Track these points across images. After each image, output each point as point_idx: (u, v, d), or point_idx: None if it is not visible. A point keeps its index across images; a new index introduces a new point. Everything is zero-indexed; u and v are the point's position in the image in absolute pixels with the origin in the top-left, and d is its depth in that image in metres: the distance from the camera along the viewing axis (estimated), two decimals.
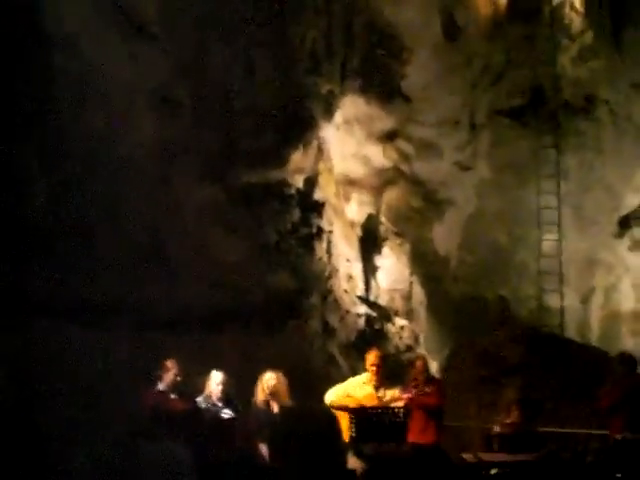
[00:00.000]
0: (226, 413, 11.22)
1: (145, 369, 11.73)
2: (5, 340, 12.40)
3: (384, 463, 10.08)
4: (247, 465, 10.74)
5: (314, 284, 15.81)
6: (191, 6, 14.55)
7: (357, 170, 17.43)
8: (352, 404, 10.56)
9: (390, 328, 16.98)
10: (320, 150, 16.24)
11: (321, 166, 16.31)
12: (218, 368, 11.42)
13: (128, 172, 14.01)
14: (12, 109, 13.44)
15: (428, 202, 17.83)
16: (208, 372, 11.42)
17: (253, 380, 11.32)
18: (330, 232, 16.31)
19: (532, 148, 17.74)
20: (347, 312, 16.34)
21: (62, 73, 13.80)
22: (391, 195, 17.72)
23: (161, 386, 11.27)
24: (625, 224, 18.64)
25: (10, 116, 13.39)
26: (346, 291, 16.52)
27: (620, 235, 18.68)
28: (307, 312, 15.58)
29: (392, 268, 17.65)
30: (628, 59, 18.28)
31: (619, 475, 10.76)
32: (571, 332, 17.68)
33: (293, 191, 15.75)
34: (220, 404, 11.25)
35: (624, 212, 18.61)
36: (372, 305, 17.06)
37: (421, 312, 17.65)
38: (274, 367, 11.44)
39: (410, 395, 10.86)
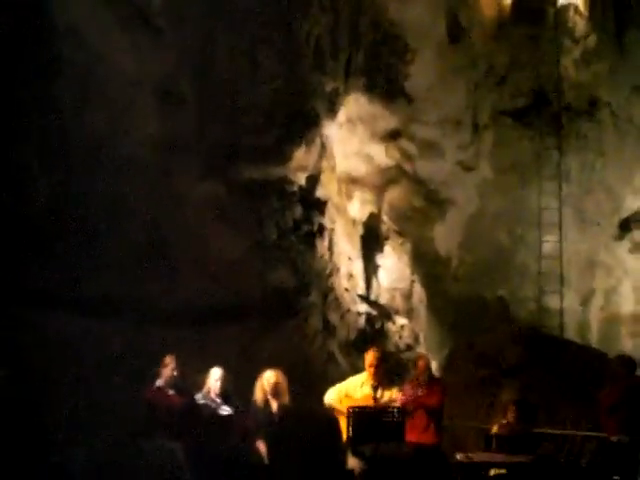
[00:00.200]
0: (224, 410, 11.23)
1: (144, 365, 11.75)
2: (6, 336, 12.41)
3: (382, 463, 10.09)
4: (244, 463, 10.75)
5: (315, 282, 15.81)
6: (197, 0, 14.56)
7: (359, 168, 17.44)
8: (351, 405, 10.56)
9: (390, 327, 17.00)
10: (323, 148, 16.25)
11: (324, 164, 16.31)
12: (217, 365, 11.43)
13: (130, 167, 14.01)
14: (14, 103, 13.44)
15: (430, 202, 17.84)
16: (207, 369, 11.43)
17: (252, 377, 11.32)
18: (332, 230, 16.32)
19: (534, 149, 17.76)
20: (347, 310, 16.36)
21: (66, 65, 13.80)
22: (393, 194, 17.73)
23: (159, 382, 11.28)
24: (626, 226, 18.66)
25: (11, 111, 13.39)
26: (347, 289, 16.53)
27: (620, 237, 18.71)
28: (307, 310, 15.58)
29: (393, 267, 17.67)
30: (631, 62, 18.31)
31: (616, 477, 10.76)
32: (571, 333, 17.69)
33: (295, 188, 15.75)
34: (218, 400, 11.25)
35: (625, 214, 18.65)
36: (373, 304, 17.08)
37: (421, 311, 17.66)
38: (273, 365, 11.43)
39: (407, 397, 10.88)
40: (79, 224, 13.58)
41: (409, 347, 16.96)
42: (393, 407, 10.46)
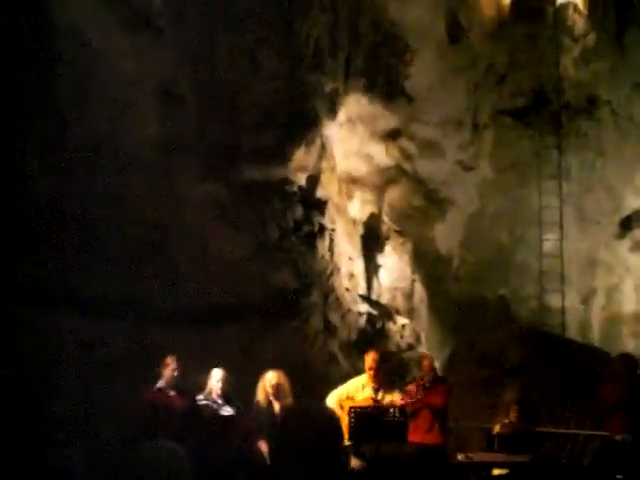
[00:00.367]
0: (226, 411, 11.21)
1: (145, 365, 11.74)
2: (4, 336, 12.40)
3: (383, 464, 10.08)
4: (246, 463, 10.74)
5: (315, 282, 15.80)
6: (198, 1, 14.55)
7: (360, 168, 17.44)
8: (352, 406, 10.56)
9: (391, 327, 17.00)
10: (323, 148, 16.23)
11: (324, 164, 16.30)
12: (218, 365, 11.42)
13: (130, 167, 14.00)
14: (14, 102, 13.43)
15: (430, 201, 17.84)
16: (208, 369, 11.41)
17: (253, 378, 11.32)
18: (332, 230, 16.31)
19: (534, 148, 17.77)
20: (348, 310, 16.35)
21: (66, 65, 13.78)
22: (393, 194, 17.73)
23: (160, 383, 11.26)
24: (627, 225, 18.67)
25: (12, 110, 13.38)
26: (348, 289, 16.52)
27: (621, 236, 18.72)
28: (308, 310, 15.57)
29: (394, 267, 17.66)
30: (630, 60, 18.32)
31: (619, 477, 10.75)
32: (572, 332, 17.69)
33: (295, 189, 15.74)
34: (220, 401, 11.24)
35: (625, 213, 18.66)
36: (374, 303, 17.08)
37: (422, 311, 17.66)
38: (275, 365, 11.43)
39: (410, 401, 10.86)
40: (79, 224, 13.56)
41: (410, 347, 16.96)
42: (394, 407, 10.45)
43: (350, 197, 17.36)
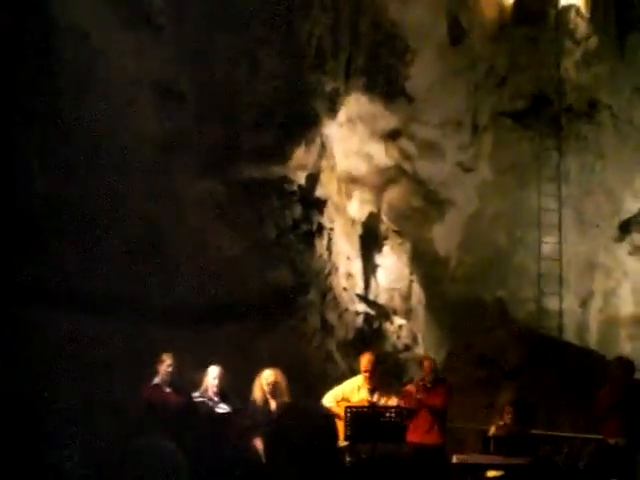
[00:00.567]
0: (222, 408, 11.20)
1: (142, 363, 11.74)
2: (3, 334, 12.40)
3: (379, 464, 10.07)
4: (242, 461, 10.73)
5: (313, 281, 15.81)
6: None
7: (359, 168, 17.43)
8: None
9: (388, 327, 17.00)
10: (323, 147, 16.24)
11: (323, 163, 16.30)
12: (214, 363, 11.41)
13: (129, 165, 14.01)
14: (14, 100, 13.43)
15: (429, 202, 17.83)
16: (204, 367, 11.41)
17: (249, 376, 11.31)
18: (331, 229, 16.31)
19: (534, 151, 17.79)
20: (346, 310, 16.35)
21: (66, 62, 13.80)
22: (392, 194, 17.72)
23: (157, 380, 11.25)
24: (625, 228, 18.68)
25: (12, 108, 13.39)
26: (345, 289, 16.52)
27: (620, 239, 18.73)
28: (306, 309, 15.57)
29: (392, 267, 17.65)
30: (631, 64, 18.35)
31: None
32: (569, 335, 17.70)
33: (295, 187, 15.75)
34: (216, 399, 11.22)
35: (624, 216, 18.67)
36: (371, 303, 17.07)
37: (420, 311, 17.65)
38: (271, 363, 11.42)
39: (409, 399, 10.86)
40: (77, 222, 13.56)
41: (407, 347, 16.96)
42: (391, 407, 10.45)
43: (349, 197, 17.36)
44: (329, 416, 7.27)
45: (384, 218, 17.67)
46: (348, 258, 16.85)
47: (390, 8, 16.47)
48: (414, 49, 16.79)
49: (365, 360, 10.96)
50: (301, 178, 15.84)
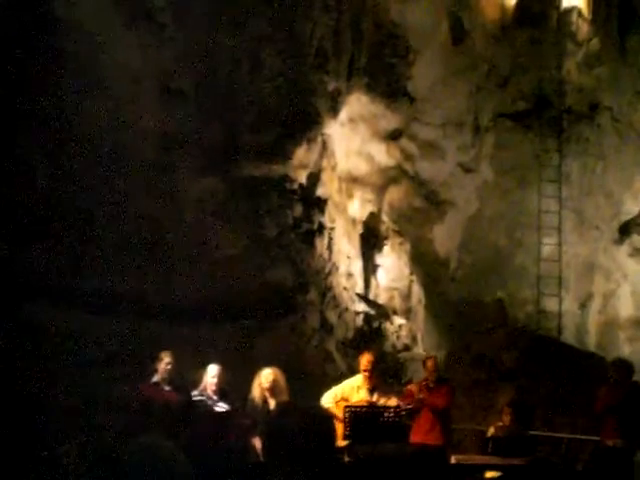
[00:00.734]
0: (220, 407, 11.20)
1: (141, 361, 11.74)
2: (1, 329, 12.42)
3: (378, 463, 10.08)
4: (240, 460, 10.74)
5: (313, 280, 15.82)
6: None
7: (360, 168, 17.44)
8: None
9: (388, 327, 17.00)
10: (324, 146, 16.26)
11: (324, 162, 16.32)
12: (213, 361, 11.41)
13: (129, 161, 14.03)
14: (17, 96, 13.45)
15: (430, 202, 17.83)
16: (203, 365, 11.41)
17: (248, 374, 11.31)
18: (331, 229, 16.33)
19: (535, 152, 17.77)
20: (346, 309, 16.36)
21: (69, 59, 13.82)
22: (393, 194, 17.73)
23: (155, 378, 11.25)
24: (625, 230, 18.68)
25: (14, 104, 13.40)
26: (345, 288, 16.53)
27: (620, 241, 18.73)
28: (305, 308, 15.58)
29: (392, 267, 17.66)
30: (633, 67, 18.35)
31: None
32: (569, 337, 17.69)
33: (296, 186, 15.76)
34: (215, 397, 11.22)
35: (624, 218, 18.67)
36: (371, 303, 17.08)
37: (419, 311, 17.66)
38: (270, 362, 11.42)
39: (407, 401, 10.86)
40: (77, 219, 13.58)
41: (406, 347, 16.97)
42: (391, 407, 10.45)
43: (350, 196, 17.37)
44: (327, 416, 7.28)
45: (385, 218, 17.68)
46: (348, 257, 16.86)
47: (392, 8, 16.46)
48: (416, 49, 16.79)
49: (365, 360, 10.95)
50: (302, 177, 15.85)
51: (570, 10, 17.98)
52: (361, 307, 16.82)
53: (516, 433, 11.66)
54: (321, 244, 16.08)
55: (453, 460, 10.91)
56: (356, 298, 16.83)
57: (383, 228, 17.71)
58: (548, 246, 17.79)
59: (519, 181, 17.95)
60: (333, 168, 16.65)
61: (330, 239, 16.29)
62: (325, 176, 16.34)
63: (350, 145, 17.15)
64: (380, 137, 17.31)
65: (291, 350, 14.66)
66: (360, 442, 10.16)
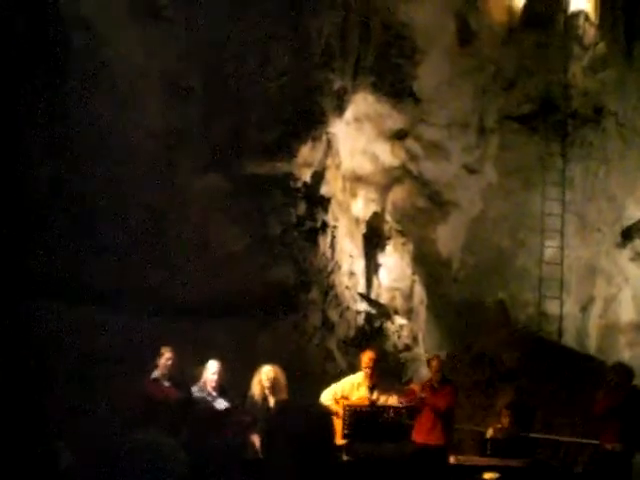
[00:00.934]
0: (220, 403, 11.22)
1: (142, 356, 11.77)
2: (2, 323, 12.44)
3: (377, 463, 10.10)
4: (239, 457, 10.77)
5: (315, 279, 15.83)
6: None
7: (365, 167, 17.44)
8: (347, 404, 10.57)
9: (389, 326, 17.00)
10: (329, 145, 16.26)
11: (329, 161, 16.32)
12: (214, 358, 11.43)
13: (134, 157, 14.05)
14: (21, 91, 13.47)
15: (433, 203, 17.83)
16: (204, 362, 11.43)
17: (249, 372, 11.33)
18: (335, 227, 16.33)
19: (539, 155, 17.77)
20: (347, 308, 16.37)
21: (75, 55, 13.85)
22: (397, 194, 17.73)
23: (156, 373, 11.28)
24: (627, 235, 18.68)
25: (18, 99, 13.42)
26: (347, 287, 16.54)
27: (622, 245, 18.73)
28: (307, 306, 15.59)
29: (394, 266, 17.66)
30: (638, 72, 18.34)
31: None
32: (569, 340, 17.70)
33: (300, 185, 15.76)
34: (214, 394, 11.25)
35: (627, 223, 18.67)
36: (372, 302, 17.09)
37: (421, 312, 17.65)
38: (271, 360, 11.45)
39: (410, 398, 10.88)
40: (81, 214, 13.61)
41: (407, 347, 16.97)
42: (390, 407, 10.47)
43: (354, 195, 17.38)
44: (326, 414, 7.30)
45: (388, 218, 17.68)
46: (351, 257, 16.87)
47: (399, 8, 16.46)
48: (422, 50, 16.78)
49: (366, 357, 10.98)
50: (306, 175, 15.86)
51: (577, 14, 17.96)
52: (363, 306, 16.83)
53: (515, 435, 11.67)
54: (324, 243, 16.08)
55: (452, 460, 10.93)
56: (358, 297, 16.84)
57: (386, 228, 17.70)
58: (550, 249, 17.79)
59: (523, 183, 17.94)
60: (337, 167, 16.66)
61: (333, 238, 16.29)
62: (329, 175, 16.35)
63: (355, 144, 17.16)
64: (385, 137, 17.32)
65: (292, 348, 14.68)
66: (360, 441, 10.19)
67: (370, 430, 10.06)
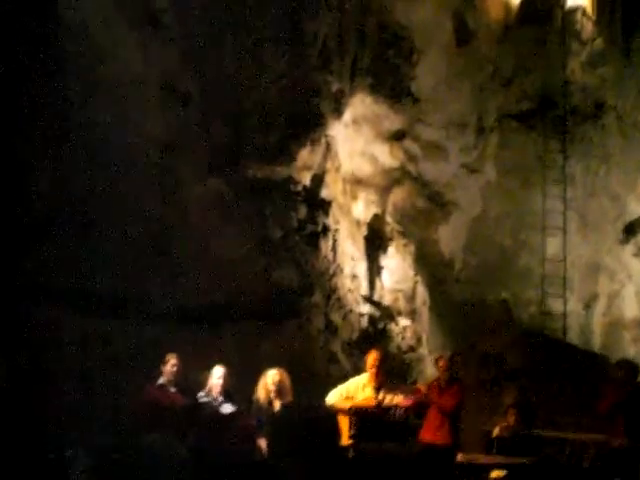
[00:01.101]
0: (226, 408, 11.23)
1: (146, 363, 11.77)
2: (5, 332, 12.43)
3: (383, 462, 10.10)
4: (245, 461, 10.75)
5: (318, 282, 15.82)
6: None
7: (364, 169, 17.40)
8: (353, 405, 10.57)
9: (393, 328, 16.98)
10: (328, 148, 16.25)
11: (328, 164, 16.31)
12: (219, 363, 11.44)
13: (133, 163, 14.03)
14: (18, 97, 13.45)
15: (434, 203, 17.79)
16: (208, 367, 11.44)
17: (254, 376, 11.33)
18: (336, 230, 16.31)
19: (539, 153, 17.74)
20: (350, 311, 16.35)
21: (72, 59, 13.81)
22: (397, 195, 17.69)
23: (161, 380, 11.30)
24: (630, 231, 18.65)
25: (16, 105, 13.40)
26: (350, 290, 16.52)
27: (625, 242, 18.70)
28: (310, 310, 15.58)
29: (397, 268, 17.62)
30: (638, 66, 18.31)
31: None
32: (573, 337, 17.67)
33: (300, 188, 15.75)
34: (220, 399, 11.26)
35: (629, 219, 18.63)
36: (376, 304, 17.06)
37: (424, 313, 17.61)
38: (275, 364, 11.45)
39: (416, 397, 10.88)
40: (80, 221, 13.59)
41: (412, 348, 16.95)
42: (396, 407, 10.48)
43: (354, 198, 17.34)
44: (331, 416, 7.31)
45: (389, 219, 17.64)
46: (353, 259, 16.84)
47: (396, 9, 16.45)
48: (420, 50, 16.76)
49: (372, 357, 11.01)
50: (306, 179, 15.84)
51: (575, 9, 17.94)
52: (366, 309, 16.81)
53: (522, 433, 11.66)
54: (325, 246, 16.07)
55: (459, 459, 10.93)
56: (361, 300, 16.82)
57: (387, 229, 17.66)
58: (552, 247, 17.77)
59: (523, 181, 17.91)
60: (337, 169, 16.64)
61: (334, 241, 16.28)
62: (329, 178, 16.34)
63: (354, 146, 17.13)
64: (383, 138, 17.28)
65: (296, 351, 14.68)
66: (365, 441, 10.19)
67: (377, 430, 10.06)
